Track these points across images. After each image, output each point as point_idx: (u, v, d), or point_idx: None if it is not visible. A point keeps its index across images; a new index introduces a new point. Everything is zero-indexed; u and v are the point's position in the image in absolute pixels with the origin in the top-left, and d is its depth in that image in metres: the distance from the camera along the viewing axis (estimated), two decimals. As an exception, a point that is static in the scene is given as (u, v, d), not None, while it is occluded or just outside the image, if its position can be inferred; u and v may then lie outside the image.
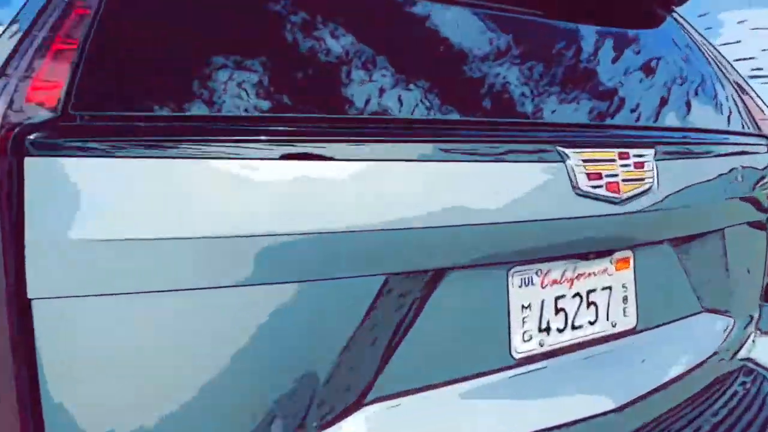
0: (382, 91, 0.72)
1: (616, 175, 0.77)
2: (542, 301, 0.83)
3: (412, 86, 0.74)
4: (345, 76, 0.72)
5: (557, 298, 0.85)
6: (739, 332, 1.12)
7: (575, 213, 0.74)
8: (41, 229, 0.49)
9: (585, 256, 0.85)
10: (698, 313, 1.06)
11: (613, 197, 0.77)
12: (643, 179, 0.80)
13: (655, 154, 0.83)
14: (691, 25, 1.25)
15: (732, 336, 1.09)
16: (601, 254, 0.85)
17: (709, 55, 1.23)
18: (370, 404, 0.69)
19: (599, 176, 0.75)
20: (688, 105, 1.08)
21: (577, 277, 0.87)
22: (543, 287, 0.83)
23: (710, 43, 1.26)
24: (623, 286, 0.93)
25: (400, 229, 0.66)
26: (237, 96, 0.63)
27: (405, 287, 0.70)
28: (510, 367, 0.80)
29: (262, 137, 0.59)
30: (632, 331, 0.94)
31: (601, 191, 0.75)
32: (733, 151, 1.04)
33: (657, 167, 0.82)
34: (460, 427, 0.75)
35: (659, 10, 1.18)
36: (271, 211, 0.59)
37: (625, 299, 0.93)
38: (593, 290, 0.89)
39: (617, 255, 0.92)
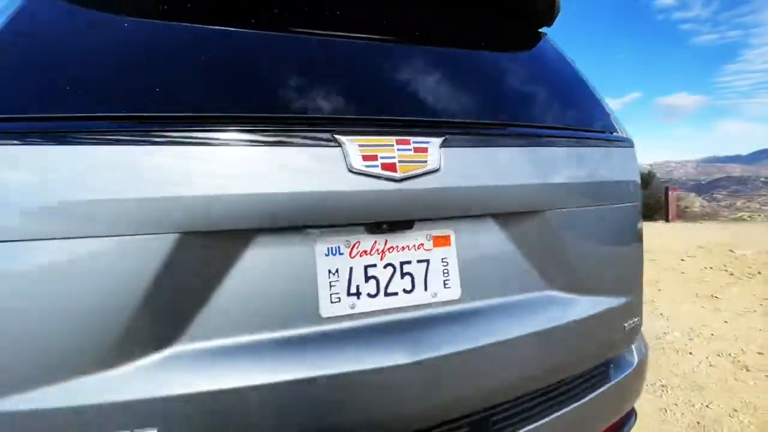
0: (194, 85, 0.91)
1: (392, 158, 0.91)
2: (350, 268, 0.97)
3: (221, 84, 0.93)
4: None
5: (367, 266, 0.98)
6: (592, 314, 1.18)
7: (349, 187, 0.89)
8: None
9: (380, 228, 0.97)
10: (542, 291, 1.15)
11: (389, 175, 0.91)
12: (424, 161, 0.94)
13: (444, 143, 0.97)
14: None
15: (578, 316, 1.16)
16: (394, 226, 0.98)
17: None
18: (178, 348, 0.84)
19: (374, 158, 0.90)
20: (505, 100, 1.20)
21: (388, 250, 1.00)
22: (352, 256, 0.97)
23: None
24: (443, 260, 1.05)
25: (204, 195, 0.83)
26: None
27: (210, 246, 0.86)
28: (317, 325, 0.94)
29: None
30: (456, 302, 1.05)
31: (376, 170, 0.90)
32: (554, 143, 1.15)
33: (443, 153, 0.96)
34: (262, 373, 0.88)
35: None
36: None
37: (445, 272, 1.04)
38: (407, 262, 1.01)
39: (435, 232, 1.04)
